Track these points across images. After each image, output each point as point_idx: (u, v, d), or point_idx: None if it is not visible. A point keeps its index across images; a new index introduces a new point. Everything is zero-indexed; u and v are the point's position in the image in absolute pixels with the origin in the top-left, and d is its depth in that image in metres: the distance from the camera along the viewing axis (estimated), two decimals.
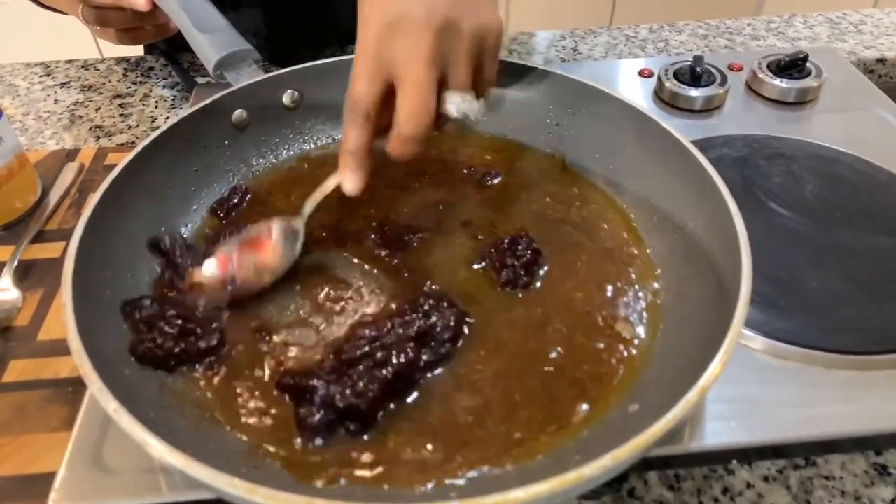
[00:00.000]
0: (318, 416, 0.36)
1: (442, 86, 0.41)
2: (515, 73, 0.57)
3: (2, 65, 0.84)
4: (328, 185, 0.46)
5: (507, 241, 0.47)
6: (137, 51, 0.92)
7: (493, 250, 0.47)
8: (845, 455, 0.44)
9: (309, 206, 0.47)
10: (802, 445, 0.43)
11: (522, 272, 0.45)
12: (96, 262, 0.41)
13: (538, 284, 0.46)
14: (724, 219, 0.41)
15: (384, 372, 0.38)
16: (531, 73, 0.56)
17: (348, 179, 0.43)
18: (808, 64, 0.68)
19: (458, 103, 0.42)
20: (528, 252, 0.46)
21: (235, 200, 0.52)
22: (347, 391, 0.37)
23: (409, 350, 0.39)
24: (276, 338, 0.42)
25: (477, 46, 0.41)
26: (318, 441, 0.37)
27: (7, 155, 0.55)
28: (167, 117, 0.74)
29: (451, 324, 0.41)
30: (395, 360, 0.38)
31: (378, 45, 0.40)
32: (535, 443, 0.37)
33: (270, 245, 0.45)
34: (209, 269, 0.44)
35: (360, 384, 0.37)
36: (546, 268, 0.47)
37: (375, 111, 0.41)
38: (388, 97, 0.41)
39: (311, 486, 0.35)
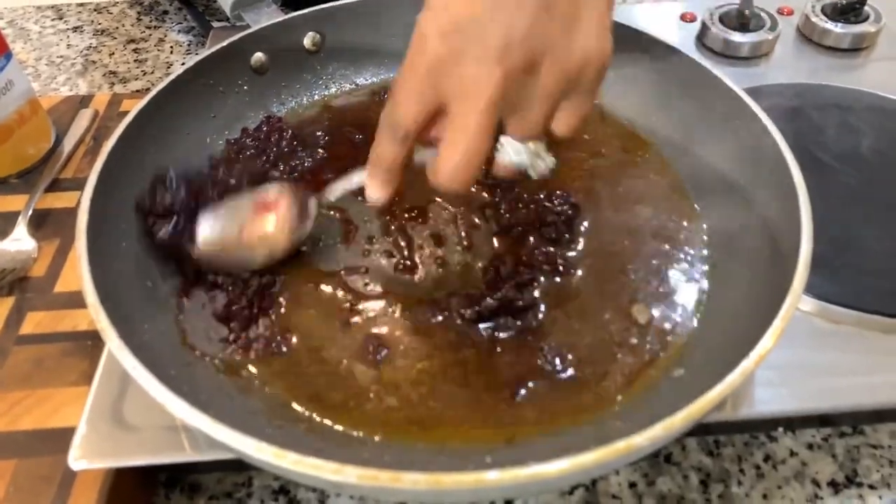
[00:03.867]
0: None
1: (503, 123, 0.33)
2: None
3: (13, 8, 0.81)
4: (353, 180, 0.40)
5: (542, 196, 0.44)
6: None
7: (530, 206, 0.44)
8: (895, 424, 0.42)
9: (332, 195, 0.41)
10: (852, 413, 0.41)
11: (564, 228, 0.42)
12: (111, 212, 0.39)
13: (581, 243, 0.43)
14: (781, 174, 0.38)
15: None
16: None
17: (374, 192, 0.37)
18: (865, 7, 0.63)
19: (518, 153, 0.34)
20: (567, 207, 0.43)
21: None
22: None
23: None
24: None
25: (566, 84, 0.32)
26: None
27: (18, 100, 0.53)
28: (183, 63, 0.71)
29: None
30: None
31: (434, 67, 0.31)
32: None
33: (282, 217, 0.41)
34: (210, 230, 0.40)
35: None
36: (586, 224, 0.44)
37: (416, 131, 0.34)
38: (429, 123, 0.34)
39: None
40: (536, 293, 0.40)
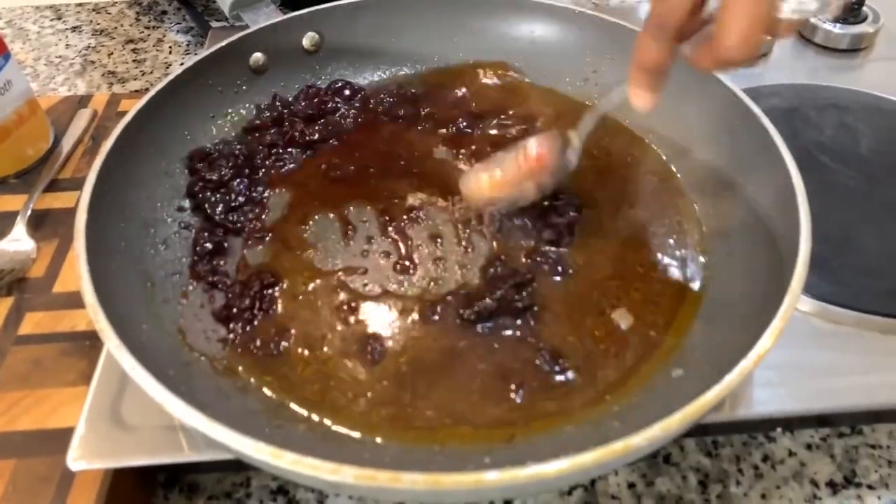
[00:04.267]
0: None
1: None
2: (547, 15, 0.53)
3: (11, 8, 0.81)
4: (614, 99, 0.40)
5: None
6: None
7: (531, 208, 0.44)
8: (894, 424, 0.42)
9: (589, 120, 0.42)
10: (850, 414, 0.41)
11: (566, 231, 0.43)
12: (110, 212, 0.39)
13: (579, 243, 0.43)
14: (780, 174, 0.38)
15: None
16: (565, 15, 0.52)
17: (641, 98, 0.38)
18: (864, 8, 0.64)
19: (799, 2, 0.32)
20: (571, 210, 0.43)
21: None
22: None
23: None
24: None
25: None
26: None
27: (17, 100, 0.53)
28: (181, 63, 0.71)
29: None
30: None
31: None
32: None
33: (546, 159, 0.42)
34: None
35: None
36: (585, 224, 0.44)
37: (683, 28, 0.34)
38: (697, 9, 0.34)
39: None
40: (534, 294, 0.40)
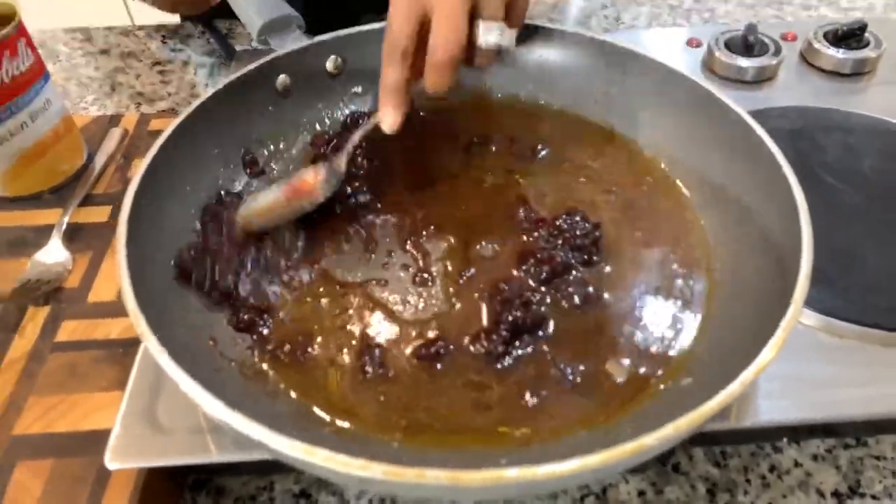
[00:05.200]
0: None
1: (474, 17, 0.42)
2: (559, 41, 0.55)
3: (43, 30, 0.85)
4: (369, 124, 0.47)
5: (563, 217, 0.46)
6: (175, 17, 0.92)
7: (550, 227, 0.46)
8: None
9: (350, 145, 0.47)
10: (854, 425, 0.42)
11: (594, 250, 0.44)
12: (147, 225, 0.41)
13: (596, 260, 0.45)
14: (783, 192, 0.39)
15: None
16: (576, 41, 0.55)
17: (388, 116, 0.44)
18: (866, 34, 0.65)
19: (490, 32, 0.43)
20: (588, 227, 0.45)
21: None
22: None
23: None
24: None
25: None
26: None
27: (54, 119, 0.55)
28: (206, 84, 0.74)
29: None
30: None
31: None
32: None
33: (312, 184, 0.46)
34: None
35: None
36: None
37: (413, 47, 0.42)
38: (423, 41, 0.42)
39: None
40: (547, 307, 0.42)
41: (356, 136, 0.47)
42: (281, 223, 0.45)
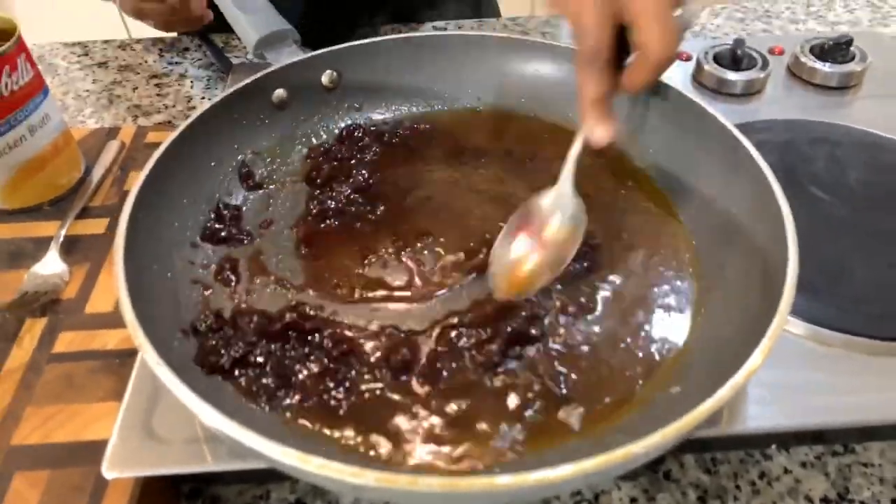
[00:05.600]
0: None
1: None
2: (553, 55, 0.56)
3: (41, 44, 0.85)
4: (576, 148, 0.44)
5: None
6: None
7: None
8: (885, 443, 0.43)
9: (566, 177, 0.44)
10: (842, 432, 0.43)
11: (591, 258, 0.45)
12: (143, 237, 0.41)
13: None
14: (769, 203, 0.40)
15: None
16: (569, 55, 0.56)
17: (598, 130, 0.42)
18: (852, 48, 0.67)
19: (688, 12, 0.40)
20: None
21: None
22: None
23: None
24: None
25: None
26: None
27: (53, 132, 0.56)
28: (203, 97, 0.75)
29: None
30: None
31: None
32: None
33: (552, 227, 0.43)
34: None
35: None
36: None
37: (610, 55, 0.40)
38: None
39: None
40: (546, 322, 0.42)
41: (570, 166, 0.44)
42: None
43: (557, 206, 0.44)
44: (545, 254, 0.43)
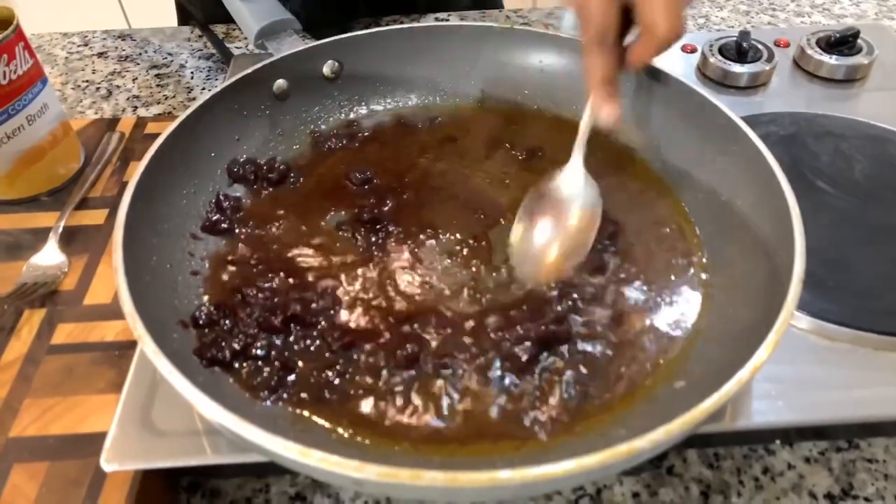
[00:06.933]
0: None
1: None
2: (556, 47, 0.56)
3: (40, 34, 0.85)
4: (586, 127, 0.44)
5: None
6: (172, 21, 0.92)
7: None
8: (889, 438, 0.43)
9: (576, 157, 0.45)
10: (847, 427, 0.42)
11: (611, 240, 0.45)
12: (143, 228, 0.41)
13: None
14: (776, 197, 0.40)
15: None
16: (572, 46, 0.55)
17: (605, 109, 0.43)
18: (858, 41, 0.66)
19: None
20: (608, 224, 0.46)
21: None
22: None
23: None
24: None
25: None
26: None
27: (52, 122, 0.56)
28: (203, 88, 0.74)
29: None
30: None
31: None
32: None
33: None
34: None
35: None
36: None
37: (617, 34, 0.41)
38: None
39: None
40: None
41: (581, 141, 0.45)
42: None
43: (572, 189, 0.44)
44: (567, 238, 0.43)
